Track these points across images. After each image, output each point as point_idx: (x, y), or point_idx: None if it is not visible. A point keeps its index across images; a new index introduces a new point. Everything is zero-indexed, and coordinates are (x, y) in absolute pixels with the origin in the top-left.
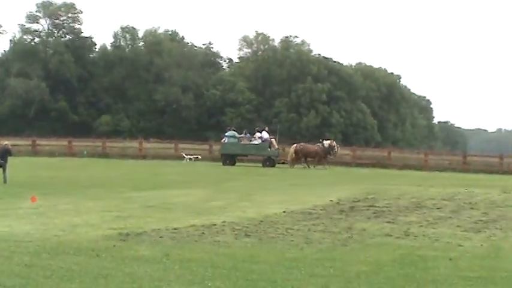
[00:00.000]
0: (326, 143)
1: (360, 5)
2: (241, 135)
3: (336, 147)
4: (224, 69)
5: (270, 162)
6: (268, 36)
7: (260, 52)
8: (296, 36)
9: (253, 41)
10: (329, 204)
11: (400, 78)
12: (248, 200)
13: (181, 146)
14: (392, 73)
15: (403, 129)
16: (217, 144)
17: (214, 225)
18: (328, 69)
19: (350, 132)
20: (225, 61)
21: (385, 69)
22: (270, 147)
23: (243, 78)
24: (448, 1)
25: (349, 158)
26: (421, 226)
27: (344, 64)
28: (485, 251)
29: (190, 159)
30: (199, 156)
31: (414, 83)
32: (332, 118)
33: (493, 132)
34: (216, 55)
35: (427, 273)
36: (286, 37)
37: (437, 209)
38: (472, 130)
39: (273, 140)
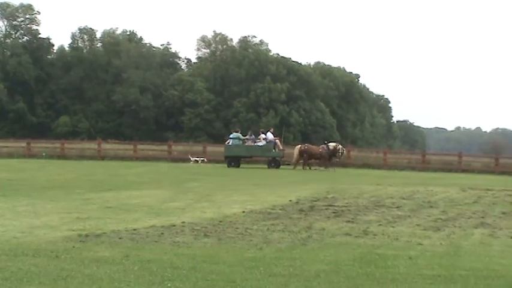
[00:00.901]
0: (331, 145)
1: (318, 4)
2: (246, 137)
3: (341, 150)
4: (183, 69)
5: (275, 163)
6: (227, 36)
7: (218, 52)
8: (254, 36)
9: (212, 41)
10: (289, 204)
11: (359, 77)
12: (208, 201)
13: (139, 146)
14: (351, 72)
15: (362, 128)
16: (176, 144)
17: (174, 225)
18: (287, 68)
19: (309, 131)
20: (183, 61)
21: (343, 68)
22: (274, 148)
23: (202, 78)
24: (404, 0)
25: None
26: (381, 225)
27: (303, 63)
28: (445, 250)
29: (196, 161)
30: (205, 159)
31: (373, 82)
32: (291, 117)
33: (452, 131)
34: (175, 55)
35: (386, 272)
36: (245, 37)
37: (397, 207)
38: (431, 129)
39: (277, 141)
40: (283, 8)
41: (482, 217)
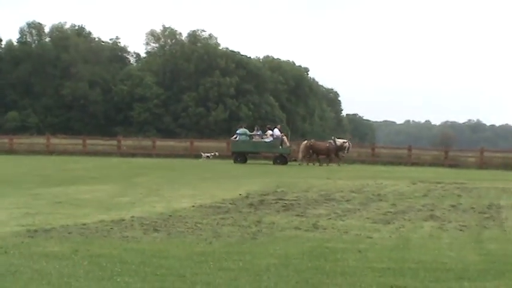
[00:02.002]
0: (339, 141)
1: None
2: (253, 133)
3: (348, 146)
4: (132, 64)
5: (281, 159)
6: (176, 31)
7: (167, 47)
8: (203, 30)
9: (161, 36)
10: (238, 198)
11: (308, 71)
12: (157, 195)
13: (89, 141)
14: (300, 66)
15: (311, 121)
16: (125, 139)
17: (123, 220)
18: (236, 62)
19: (259, 125)
20: (132, 56)
21: (293, 62)
22: (281, 144)
23: (151, 73)
24: None
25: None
26: (330, 219)
27: (252, 57)
28: (394, 243)
29: (208, 157)
30: (217, 153)
31: (322, 75)
32: (240, 111)
33: (401, 124)
34: (124, 50)
35: (336, 265)
36: (194, 31)
37: (346, 201)
38: (380, 122)
39: (284, 137)
40: (232, 1)
41: (432, 210)
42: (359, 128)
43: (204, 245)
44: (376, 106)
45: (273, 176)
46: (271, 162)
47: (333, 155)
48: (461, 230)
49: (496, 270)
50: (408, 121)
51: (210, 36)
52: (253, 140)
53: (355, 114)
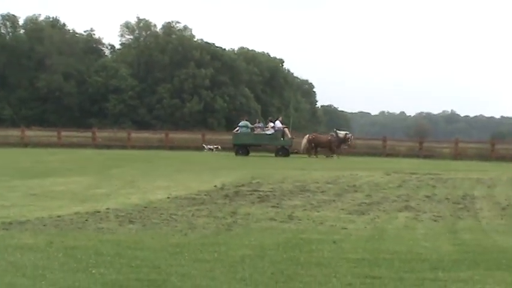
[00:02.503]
0: (341, 133)
1: None
2: (255, 125)
3: (350, 138)
4: (106, 55)
5: (283, 152)
6: (150, 22)
7: (142, 38)
8: (178, 22)
9: (135, 27)
10: (213, 190)
11: (283, 62)
12: (132, 187)
13: (64, 133)
14: (275, 57)
15: (286, 113)
16: (100, 131)
17: (98, 212)
18: (211, 54)
19: (234, 117)
20: (107, 48)
21: (268, 53)
22: (283, 136)
23: (126, 64)
24: None
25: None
26: (305, 210)
27: (227, 49)
28: (369, 233)
29: (210, 149)
30: (219, 147)
31: (297, 67)
32: (215, 103)
33: (376, 115)
34: (98, 42)
35: (311, 256)
36: (168, 23)
37: (321, 192)
38: (355, 113)
39: (286, 129)
40: None
41: (407, 201)
42: (334, 119)
43: (179, 236)
44: (351, 97)
45: (249, 167)
46: (272, 154)
47: (335, 147)
48: (435, 221)
49: (470, 260)
50: (383, 112)
51: (185, 27)
52: (255, 132)
53: (330, 105)
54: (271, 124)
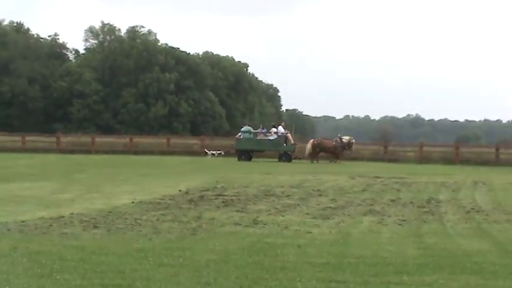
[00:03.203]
0: (345, 138)
1: None
2: (257, 131)
3: (353, 143)
4: (71, 60)
5: (286, 157)
6: (115, 27)
7: (106, 43)
8: (142, 26)
9: (99, 32)
10: (178, 194)
11: (248, 66)
12: (97, 192)
13: (28, 138)
14: (240, 62)
15: (251, 117)
16: (65, 136)
17: (63, 217)
18: (176, 58)
19: (198, 121)
20: (71, 52)
21: (232, 57)
22: (286, 142)
23: (90, 69)
24: None
25: (198, 147)
26: (270, 214)
27: (191, 53)
28: (334, 238)
29: (213, 154)
30: (223, 152)
31: (262, 71)
32: (180, 108)
33: (341, 119)
34: (63, 46)
35: (276, 260)
36: (133, 27)
37: (286, 196)
38: (320, 117)
39: (288, 134)
40: None
41: (371, 205)
42: (299, 123)
43: (143, 241)
44: (315, 101)
45: (214, 171)
46: (267, 159)
47: (339, 152)
48: (400, 225)
49: (434, 264)
50: (348, 116)
51: (149, 32)
52: (258, 137)
53: (294, 110)
54: (274, 130)
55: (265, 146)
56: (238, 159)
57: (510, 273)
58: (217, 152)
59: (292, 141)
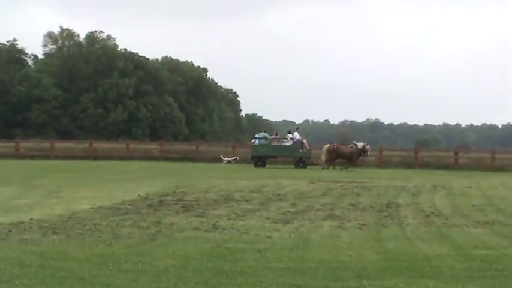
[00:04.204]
0: (360, 144)
1: None
2: (273, 137)
3: (368, 149)
4: (29, 65)
5: (302, 163)
6: (73, 32)
7: (65, 48)
8: (101, 32)
9: (58, 37)
10: (138, 199)
11: (207, 71)
12: (56, 197)
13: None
14: (199, 66)
15: (211, 122)
16: (24, 141)
17: (22, 223)
18: (135, 63)
19: (158, 126)
20: (30, 57)
21: (191, 62)
22: (302, 148)
23: (49, 74)
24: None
25: (157, 152)
26: (230, 219)
27: (150, 58)
28: (294, 242)
29: (229, 161)
30: (238, 158)
31: (221, 76)
32: (139, 113)
33: (300, 124)
34: (21, 52)
35: (235, 265)
36: (92, 32)
37: (246, 201)
38: (280, 122)
39: (304, 140)
40: (129, 2)
41: (331, 209)
42: (258, 128)
43: (103, 246)
44: (275, 106)
45: (174, 176)
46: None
47: (355, 159)
48: (360, 229)
49: (394, 268)
50: (307, 120)
51: (108, 37)
52: (274, 144)
53: (254, 114)
54: (290, 136)
55: (282, 152)
56: (255, 166)
57: (470, 277)
58: (232, 158)
59: (308, 147)
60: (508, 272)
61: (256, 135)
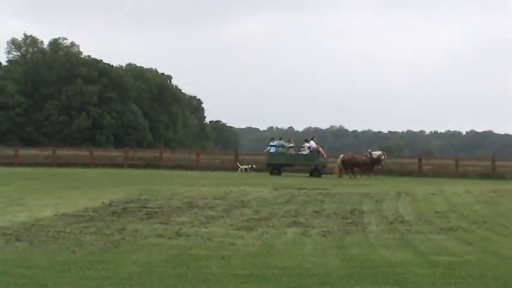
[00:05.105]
0: (375, 153)
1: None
2: (290, 145)
3: (384, 158)
4: None
5: (318, 172)
6: (37, 39)
7: (29, 55)
8: (65, 39)
9: (22, 44)
10: (101, 207)
11: (171, 78)
12: (19, 204)
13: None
14: (163, 73)
15: (174, 129)
16: None
17: None
18: (99, 70)
19: (122, 133)
20: None
21: (155, 69)
22: (318, 157)
23: (13, 81)
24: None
25: (121, 160)
26: (194, 226)
27: (114, 65)
28: (258, 249)
29: (246, 169)
30: (254, 166)
31: (185, 83)
32: (103, 120)
33: (265, 131)
34: None
35: (199, 272)
36: (55, 39)
37: (210, 208)
38: (244, 129)
39: (321, 149)
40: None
41: (295, 216)
42: (222, 135)
43: (66, 253)
44: (239, 113)
45: (138, 183)
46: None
47: (370, 168)
48: (324, 236)
49: (358, 275)
50: (272, 128)
51: (72, 44)
52: (290, 152)
53: (218, 121)
54: (307, 144)
55: (299, 161)
56: (271, 174)
57: (433, 283)
58: (249, 166)
59: (325, 156)
60: (471, 278)
61: (271, 143)
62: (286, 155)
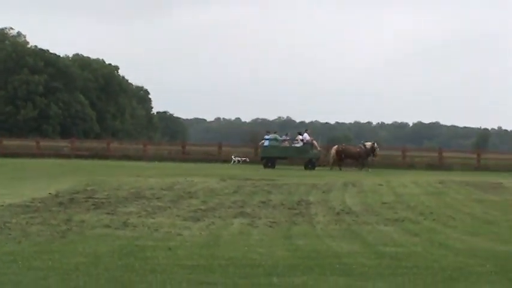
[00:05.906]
0: (368, 144)
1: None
2: (283, 138)
3: (377, 149)
4: None
5: (312, 164)
6: None
7: None
8: (12, 28)
9: None
10: (48, 197)
11: (118, 69)
12: None
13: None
14: (110, 64)
15: (122, 120)
16: None
17: None
18: (45, 60)
19: (69, 123)
20: None
21: (102, 60)
22: (312, 149)
23: None
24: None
25: (68, 150)
26: (140, 216)
27: (61, 55)
28: (205, 240)
29: (238, 161)
30: (248, 159)
31: (132, 73)
32: (50, 110)
33: (212, 122)
34: None
35: (146, 263)
36: (1, 29)
37: (157, 198)
38: (191, 119)
39: (314, 142)
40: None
41: (242, 206)
42: (170, 126)
43: (12, 244)
44: (186, 104)
45: (84, 174)
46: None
47: (364, 159)
48: (271, 227)
49: (304, 266)
50: (219, 118)
51: (19, 34)
52: (284, 145)
53: (165, 112)
54: (300, 137)
55: (292, 153)
56: (265, 167)
57: (379, 274)
58: (242, 158)
59: (319, 148)
60: (417, 269)
61: (266, 137)
62: (279, 148)
